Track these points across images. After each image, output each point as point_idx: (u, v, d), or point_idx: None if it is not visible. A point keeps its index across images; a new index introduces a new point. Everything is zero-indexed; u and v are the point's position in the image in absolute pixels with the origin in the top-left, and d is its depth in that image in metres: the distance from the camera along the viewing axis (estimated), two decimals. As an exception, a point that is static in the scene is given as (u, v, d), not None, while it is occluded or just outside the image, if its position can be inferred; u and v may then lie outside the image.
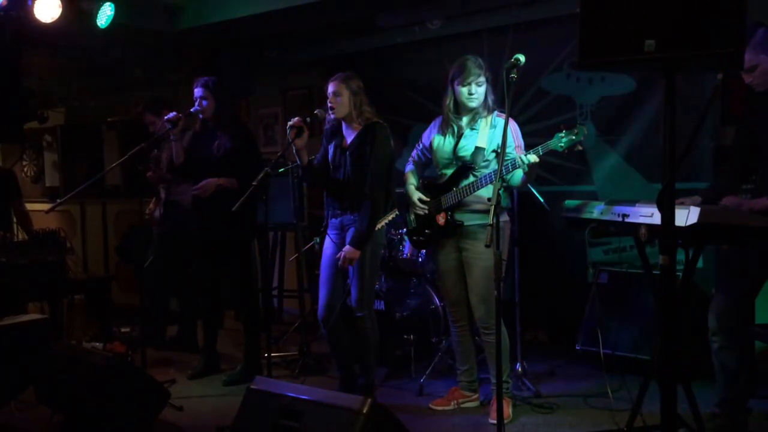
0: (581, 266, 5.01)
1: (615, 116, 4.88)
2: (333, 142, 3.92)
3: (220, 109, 4.40)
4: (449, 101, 3.72)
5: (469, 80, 3.62)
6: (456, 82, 3.66)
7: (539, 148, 3.32)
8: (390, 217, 3.86)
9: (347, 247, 3.74)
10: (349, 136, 3.86)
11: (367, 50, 5.88)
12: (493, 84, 3.74)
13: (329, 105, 3.82)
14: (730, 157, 3.46)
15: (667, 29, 2.18)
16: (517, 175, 3.49)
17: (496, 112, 3.69)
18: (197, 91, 4.37)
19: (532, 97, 5.15)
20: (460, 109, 3.72)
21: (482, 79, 3.63)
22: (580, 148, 3.26)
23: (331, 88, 3.80)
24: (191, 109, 4.38)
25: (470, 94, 3.63)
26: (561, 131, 3.25)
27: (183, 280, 5.16)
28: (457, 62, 3.69)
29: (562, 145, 3.24)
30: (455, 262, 3.80)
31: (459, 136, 3.71)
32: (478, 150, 3.63)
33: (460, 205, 3.70)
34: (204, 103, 4.37)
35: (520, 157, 3.32)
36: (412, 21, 5.49)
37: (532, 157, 3.30)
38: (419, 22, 5.49)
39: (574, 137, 3.22)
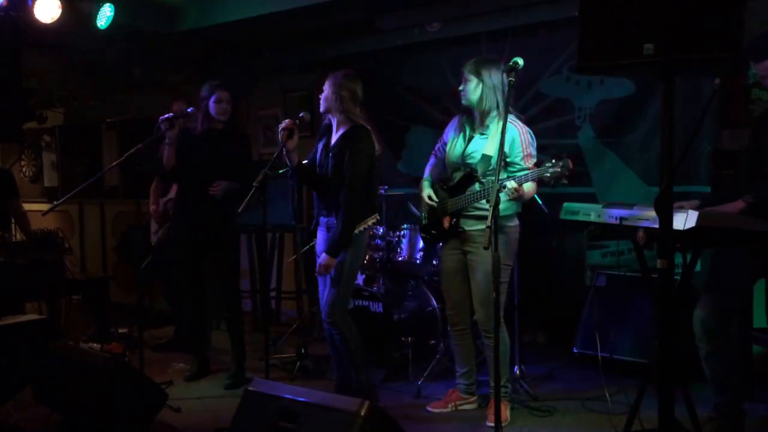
0: (579, 269, 5.01)
1: (614, 119, 4.89)
2: (322, 141, 3.90)
3: (234, 115, 4.43)
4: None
5: (461, 78, 3.67)
6: None
7: (529, 174, 3.39)
8: (370, 222, 3.79)
9: (323, 255, 3.71)
10: (335, 137, 3.83)
11: (367, 52, 5.87)
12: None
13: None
14: (736, 165, 3.45)
15: (665, 33, 2.19)
16: (510, 185, 3.46)
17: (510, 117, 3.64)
18: (225, 95, 4.32)
19: (530, 99, 5.16)
20: (471, 110, 3.73)
21: (468, 76, 3.62)
22: (565, 181, 3.32)
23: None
24: (188, 110, 4.35)
25: (459, 91, 3.67)
26: (550, 161, 3.31)
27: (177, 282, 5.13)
28: None
29: (548, 174, 3.31)
30: (459, 264, 3.79)
31: (469, 140, 3.71)
32: (484, 158, 3.62)
33: (464, 211, 3.70)
34: (228, 108, 4.34)
35: (505, 184, 3.37)
36: (411, 23, 5.50)
37: (511, 184, 3.38)
38: (418, 25, 5.50)
39: (559, 169, 3.28)
